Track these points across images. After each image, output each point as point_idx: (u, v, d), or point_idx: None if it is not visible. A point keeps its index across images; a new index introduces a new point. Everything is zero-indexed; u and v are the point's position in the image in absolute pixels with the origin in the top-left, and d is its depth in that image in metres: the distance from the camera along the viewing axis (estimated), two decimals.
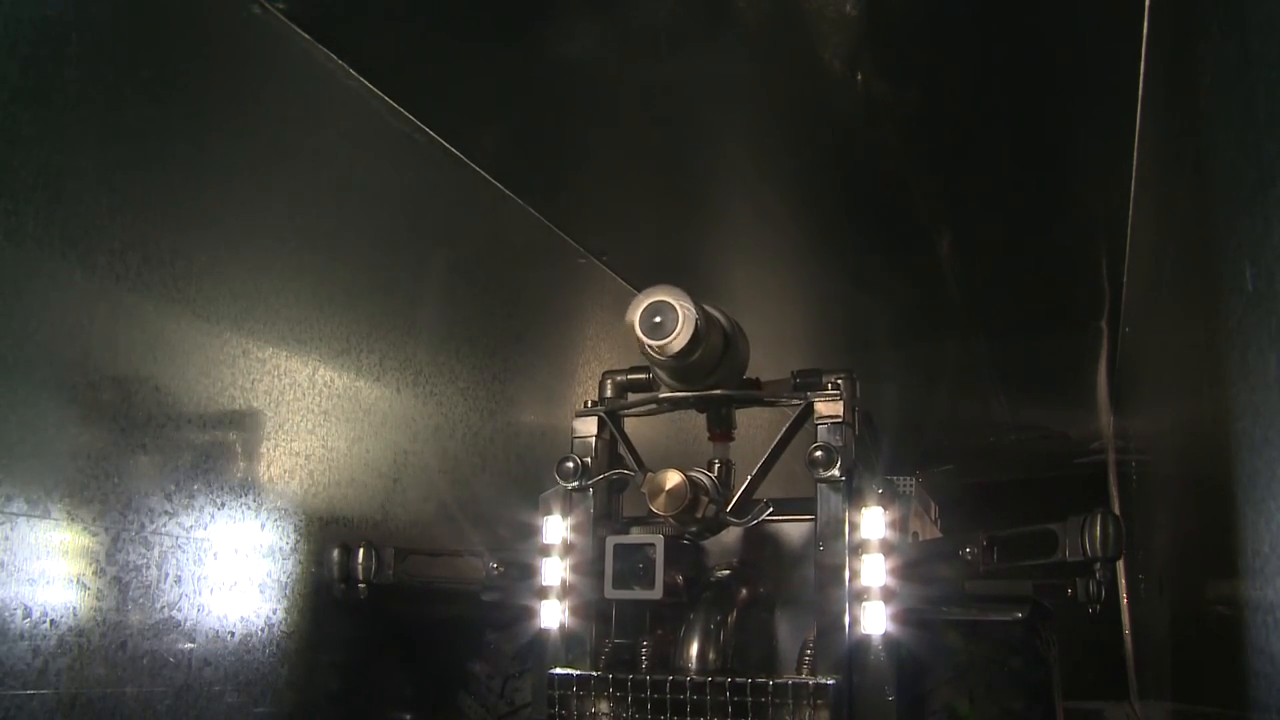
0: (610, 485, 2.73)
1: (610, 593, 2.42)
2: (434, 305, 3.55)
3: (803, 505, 2.59)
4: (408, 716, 3.19)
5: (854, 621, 2.40)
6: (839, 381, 2.58)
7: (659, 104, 3.32)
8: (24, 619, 2.10)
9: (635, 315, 2.25)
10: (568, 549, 2.69)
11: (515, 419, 3.93)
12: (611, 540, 2.44)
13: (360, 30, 2.95)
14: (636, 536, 2.49)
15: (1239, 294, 1.73)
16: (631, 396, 2.83)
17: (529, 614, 2.72)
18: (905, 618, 2.41)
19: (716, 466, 2.66)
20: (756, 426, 3.48)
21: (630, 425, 2.83)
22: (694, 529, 2.51)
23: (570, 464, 2.65)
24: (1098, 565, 2.24)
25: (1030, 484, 8.14)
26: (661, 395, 2.67)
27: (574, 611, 2.64)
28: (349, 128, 3.15)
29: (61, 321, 2.22)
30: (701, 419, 2.77)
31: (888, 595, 2.40)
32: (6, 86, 2.10)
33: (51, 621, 2.15)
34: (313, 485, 2.94)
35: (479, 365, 3.75)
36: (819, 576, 2.46)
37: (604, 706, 2.42)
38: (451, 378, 3.59)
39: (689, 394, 2.59)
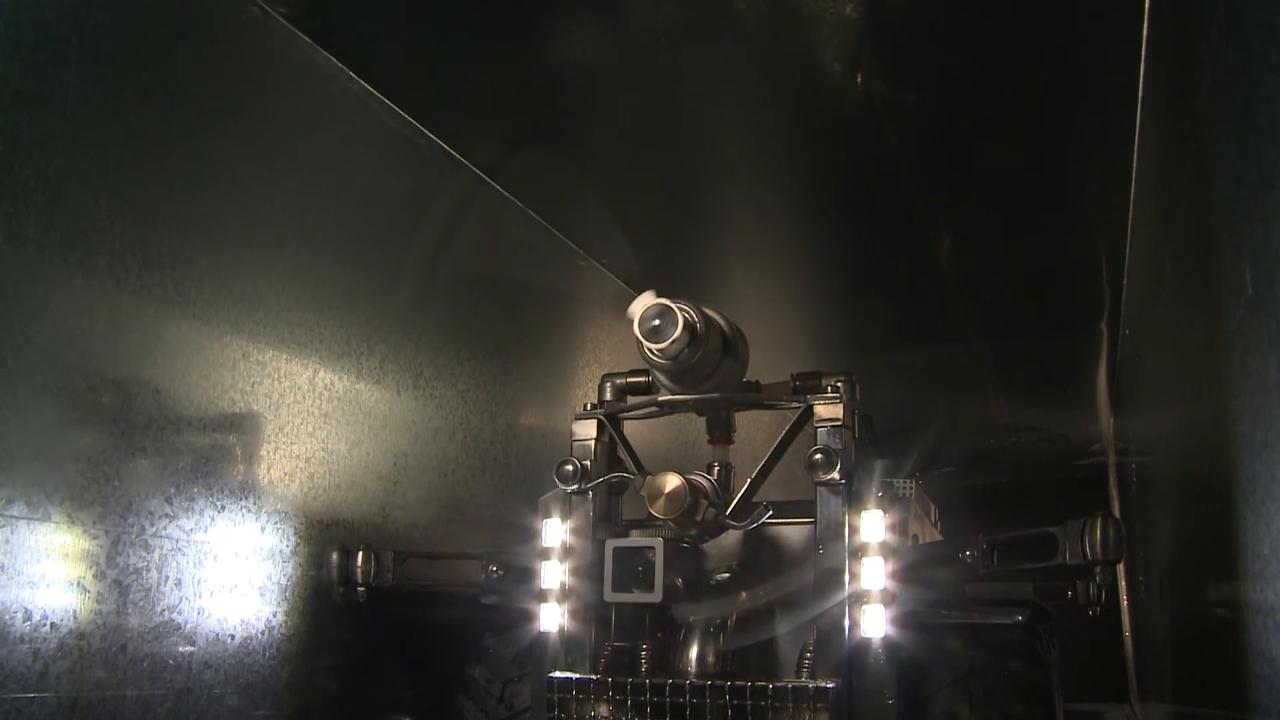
0: (610, 488, 2.73)
1: (610, 596, 2.42)
2: (434, 308, 3.55)
3: (802, 508, 2.59)
4: None
5: (854, 625, 2.40)
6: (839, 384, 2.58)
7: (659, 107, 3.32)
8: (24, 622, 2.10)
9: (635, 318, 2.25)
10: (567, 552, 2.69)
11: (515, 422, 3.93)
12: (611, 543, 2.44)
13: (361, 33, 2.95)
14: (636, 540, 2.50)
15: (1239, 297, 1.74)
16: (631, 399, 2.83)
17: (528, 617, 2.72)
18: (905, 621, 2.41)
19: (716, 469, 2.66)
20: (756, 429, 3.48)
21: (629, 428, 2.84)
22: (693, 532, 2.51)
23: (570, 467, 2.66)
24: (1098, 568, 2.24)
25: (1030, 486, 8.13)
26: (661, 398, 2.67)
27: (573, 615, 2.64)
28: (349, 130, 3.15)
29: (62, 324, 2.22)
30: (701, 422, 2.77)
31: (887, 598, 2.40)
32: (7, 90, 2.10)
33: (52, 624, 2.15)
34: (313, 488, 2.94)
35: (479, 368, 3.75)
36: (818, 579, 2.46)
37: (603, 710, 2.42)
38: (451, 380, 3.60)
39: (688, 397, 2.59)
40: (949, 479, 8.10)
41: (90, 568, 2.25)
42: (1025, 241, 4.30)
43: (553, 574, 2.68)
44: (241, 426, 2.72)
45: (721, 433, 2.73)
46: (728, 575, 2.70)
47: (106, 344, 2.34)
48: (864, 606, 2.40)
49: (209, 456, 2.60)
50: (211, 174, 2.65)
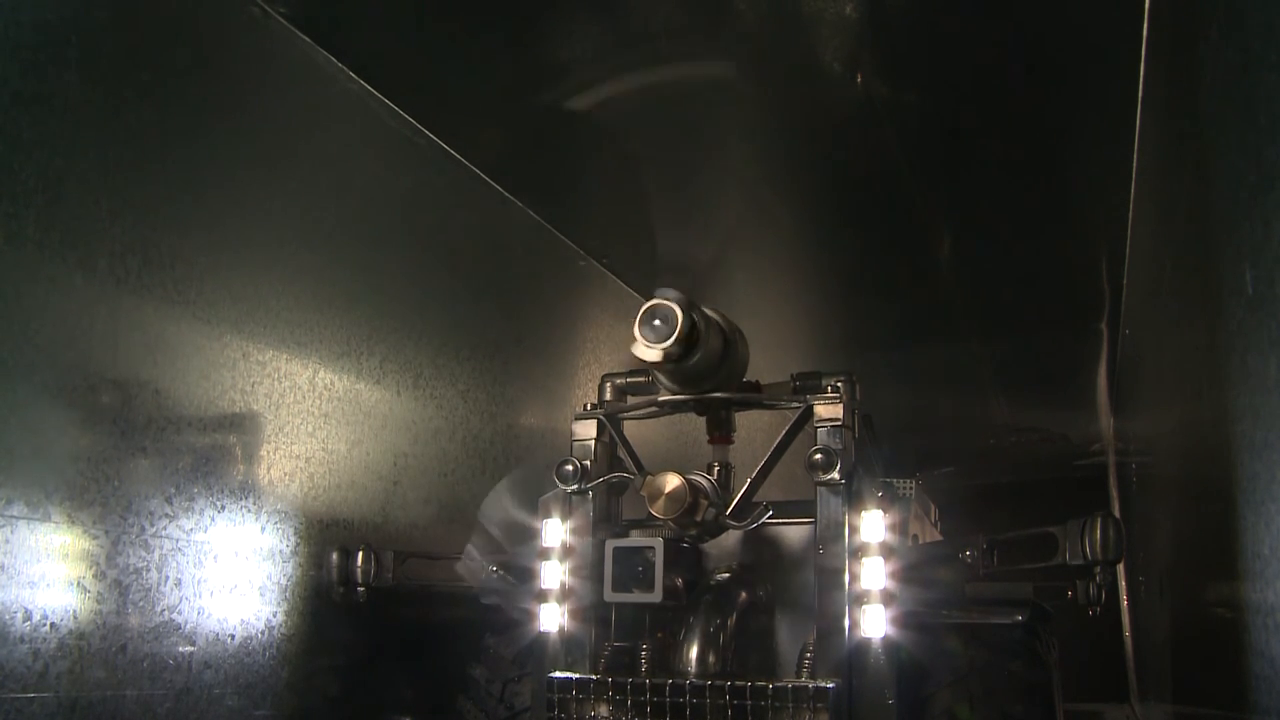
0: (610, 488, 2.72)
1: (610, 596, 2.42)
2: (434, 308, 3.55)
3: (802, 508, 2.59)
4: None
5: (854, 625, 2.40)
6: (839, 384, 2.58)
7: (659, 107, 3.32)
8: (24, 622, 2.10)
9: (635, 319, 2.25)
10: (567, 552, 2.69)
11: (515, 422, 3.93)
12: (611, 543, 2.44)
13: (361, 33, 2.95)
14: (636, 540, 2.50)
15: (1239, 297, 1.74)
16: (631, 399, 2.83)
17: (528, 617, 2.72)
18: (905, 621, 2.41)
19: (716, 469, 2.66)
20: (756, 429, 3.48)
21: (629, 428, 2.83)
22: (693, 532, 2.51)
23: (570, 467, 2.65)
24: (1098, 568, 2.24)
25: (1030, 486, 8.13)
26: (661, 398, 2.67)
27: (573, 615, 2.64)
28: (349, 130, 3.15)
29: (62, 324, 2.22)
30: (701, 422, 2.77)
31: (887, 598, 2.39)
32: (7, 89, 2.10)
33: (52, 624, 2.15)
34: (313, 488, 2.94)
35: (479, 368, 3.75)
36: (819, 580, 2.46)
37: (603, 710, 2.42)
38: (451, 380, 3.60)
39: (688, 397, 2.59)
40: (949, 479, 8.10)
41: (90, 568, 2.25)
42: (1025, 241, 4.30)
43: (553, 574, 2.68)
44: (241, 426, 2.72)
45: (721, 433, 2.73)
46: (728, 575, 2.70)
47: (106, 344, 2.34)
48: (864, 606, 2.40)
49: (209, 456, 2.60)
50: (212, 174, 2.65)
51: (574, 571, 2.66)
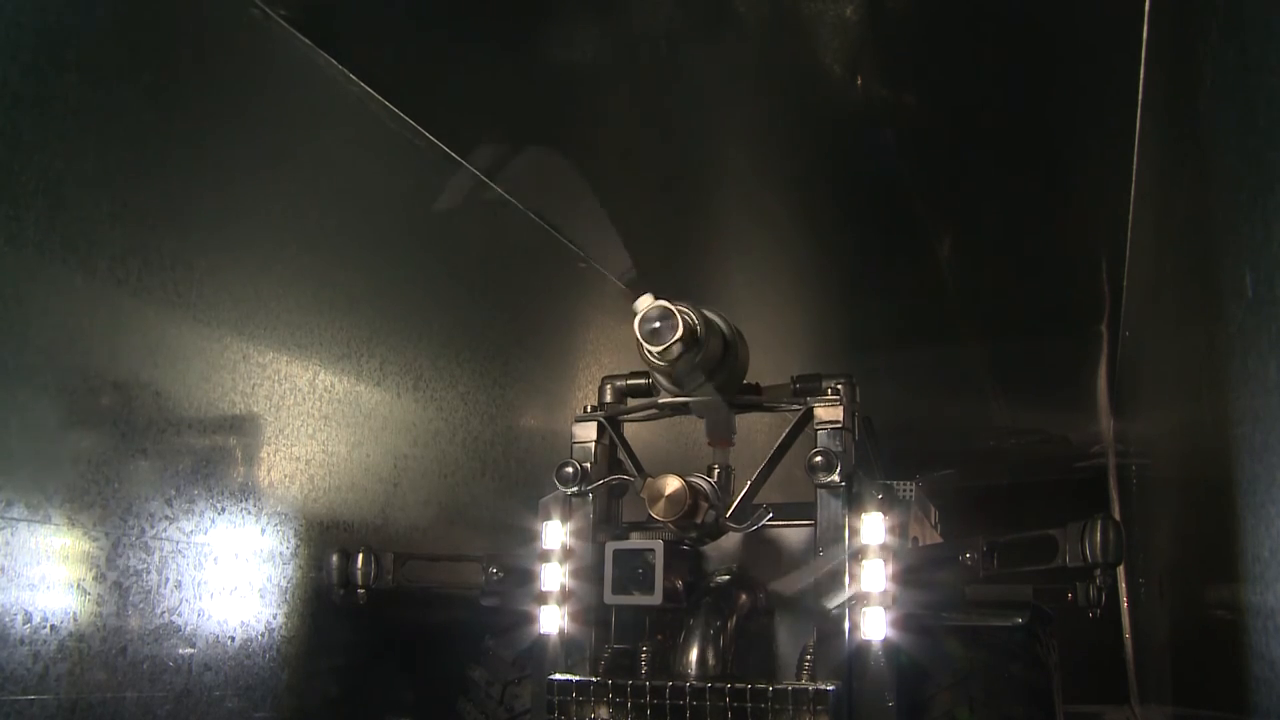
0: (610, 490, 2.72)
1: (610, 598, 2.42)
2: (434, 310, 3.55)
3: (802, 510, 2.59)
4: None
5: (854, 627, 2.40)
6: (839, 386, 2.58)
7: (659, 109, 3.32)
8: (24, 624, 2.09)
9: (638, 315, 2.25)
10: (567, 554, 2.69)
11: (515, 424, 3.93)
12: (611, 546, 2.44)
13: (361, 35, 2.95)
14: (636, 542, 2.49)
15: (1239, 299, 1.74)
16: (631, 401, 2.83)
17: (528, 619, 2.72)
18: (905, 623, 2.41)
19: (716, 472, 2.65)
20: (756, 432, 3.48)
21: (630, 430, 2.83)
22: (693, 534, 2.51)
23: (570, 469, 2.65)
24: (1098, 570, 2.24)
25: (1030, 488, 8.13)
26: (661, 400, 2.67)
27: (573, 617, 2.64)
28: (349, 133, 3.15)
29: (62, 326, 2.22)
30: (701, 424, 2.76)
31: (888, 601, 2.39)
32: (8, 92, 2.10)
33: (52, 626, 2.15)
34: (313, 490, 2.94)
35: (479, 370, 3.75)
36: (819, 582, 2.46)
37: (603, 712, 2.42)
38: (452, 382, 3.59)
39: (688, 399, 2.59)
40: (949, 481, 8.10)
41: (90, 570, 2.25)
42: (1025, 243, 4.30)
43: (553, 576, 2.68)
44: (242, 428, 2.72)
45: (721, 435, 2.73)
46: (728, 578, 2.70)
47: (107, 346, 2.34)
48: (864, 609, 2.40)
49: (209, 458, 2.60)
50: (212, 176, 2.65)
51: (574, 573, 2.66)
